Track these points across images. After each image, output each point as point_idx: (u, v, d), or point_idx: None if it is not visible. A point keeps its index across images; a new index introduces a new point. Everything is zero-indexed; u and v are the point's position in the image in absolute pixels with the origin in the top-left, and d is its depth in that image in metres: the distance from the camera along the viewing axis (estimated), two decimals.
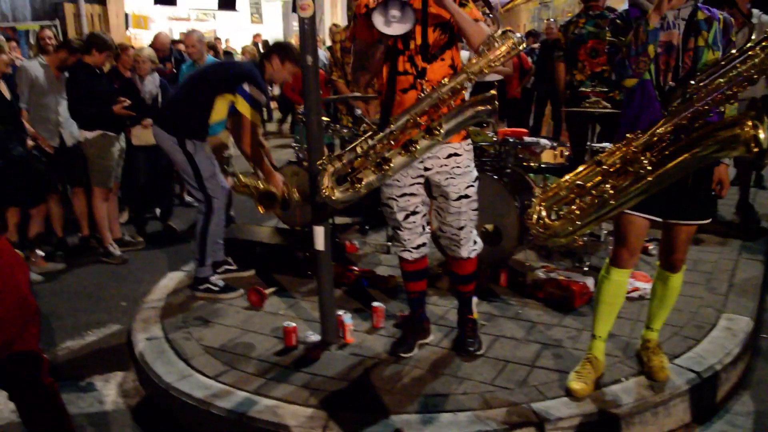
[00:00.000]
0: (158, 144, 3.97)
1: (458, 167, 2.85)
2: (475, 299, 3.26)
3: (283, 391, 2.83)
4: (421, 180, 2.91)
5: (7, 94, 4.48)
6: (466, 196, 2.90)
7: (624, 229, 2.65)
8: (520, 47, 2.61)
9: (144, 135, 5.20)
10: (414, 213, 2.95)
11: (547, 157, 4.59)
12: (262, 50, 12.67)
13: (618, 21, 2.59)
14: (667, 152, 2.25)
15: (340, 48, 5.67)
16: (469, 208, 2.93)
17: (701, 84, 2.29)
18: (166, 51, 7.19)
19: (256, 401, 2.75)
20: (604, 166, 2.35)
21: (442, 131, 2.58)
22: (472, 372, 2.93)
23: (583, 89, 4.73)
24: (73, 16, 10.37)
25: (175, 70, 6.87)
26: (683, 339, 3.16)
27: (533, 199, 2.49)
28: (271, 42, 14.23)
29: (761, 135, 2.03)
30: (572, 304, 3.57)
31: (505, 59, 2.62)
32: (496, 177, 4.01)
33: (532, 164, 4.54)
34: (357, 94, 4.75)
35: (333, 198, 2.68)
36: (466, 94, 2.79)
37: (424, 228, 3.02)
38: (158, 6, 13.39)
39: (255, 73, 3.83)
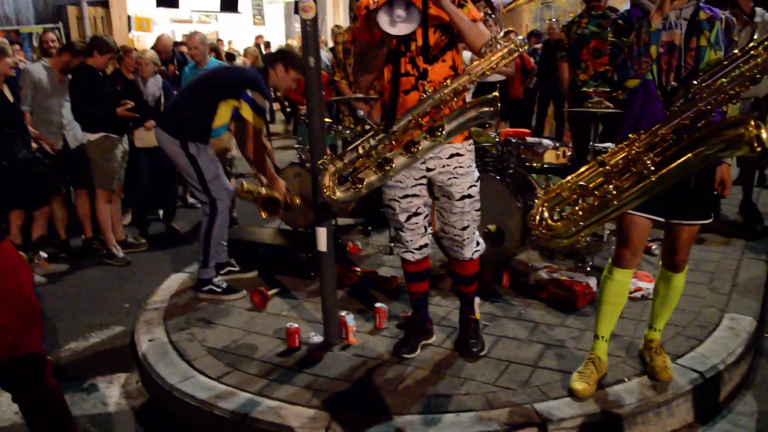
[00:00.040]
0: (160, 146, 3.98)
1: (461, 167, 2.85)
2: (477, 300, 3.26)
3: (285, 392, 2.83)
4: (424, 181, 2.91)
5: (10, 98, 4.50)
6: (469, 196, 2.90)
7: (626, 229, 2.65)
8: (521, 50, 2.61)
9: (147, 137, 5.21)
10: (416, 214, 2.95)
11: (549, 157, 4.59)
12: (264, 52, 12.70)
13: (620, 21, 2.59)
14: (670, 152, 2.25)
15: (343, 49, 5.67)
16: (472, 208, 2.93)
17: (704, 84, 2.28)
18: (169, 53, 7.21)
19: (259, 402, 2.76)
20: (607, 167, 2.35)
21: (443, 132, 2.58)
22: (474, 372, 2.93)
23: (586, 89, 4.73)
24: (76, 18, 10.39)
25: (177, 72, 6.89)
26: (686, 339, 3.16)
27: (535, 200, 2.49)
28: (273, 44, 14.27)
29: (764, 135, 2.03)
30: (575, 304, 3.56)
31: (507, 61, 2.62)
32: (498, 177, 4.02)
33: (534, 164, 4.54)
34: (359, 95, 4.75)
35: (334, 197, 2.69)
36: (468, 95, 2.79)
37: (426, 229, 3.02)
38: (161, 8, 13.40)
39: (259, 79, 3.84)
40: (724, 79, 2.23)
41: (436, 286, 3.86)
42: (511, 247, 4.02)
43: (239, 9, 15.89)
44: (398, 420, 2.58)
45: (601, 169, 2.37)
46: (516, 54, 2.61)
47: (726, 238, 4.65)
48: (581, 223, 2.37)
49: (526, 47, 2.65)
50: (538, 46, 9.11)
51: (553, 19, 10.90)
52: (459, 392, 2.76)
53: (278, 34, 18.28)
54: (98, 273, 4.92)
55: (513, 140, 4.31)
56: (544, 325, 3.40)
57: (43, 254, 4.90)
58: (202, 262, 3.96)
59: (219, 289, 3.94)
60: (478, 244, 3.06)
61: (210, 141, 3.98)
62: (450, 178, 2.86)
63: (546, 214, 2.45)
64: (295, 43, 11.84)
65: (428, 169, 2.86)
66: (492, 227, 4.03)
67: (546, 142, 4.72)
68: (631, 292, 3.47)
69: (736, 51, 2.29)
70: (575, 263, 4.21)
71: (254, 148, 3.90)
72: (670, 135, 2.28)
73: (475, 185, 2.92)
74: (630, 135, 2.36)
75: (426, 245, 3.04)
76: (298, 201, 4.19)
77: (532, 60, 8.62)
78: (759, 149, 2.05)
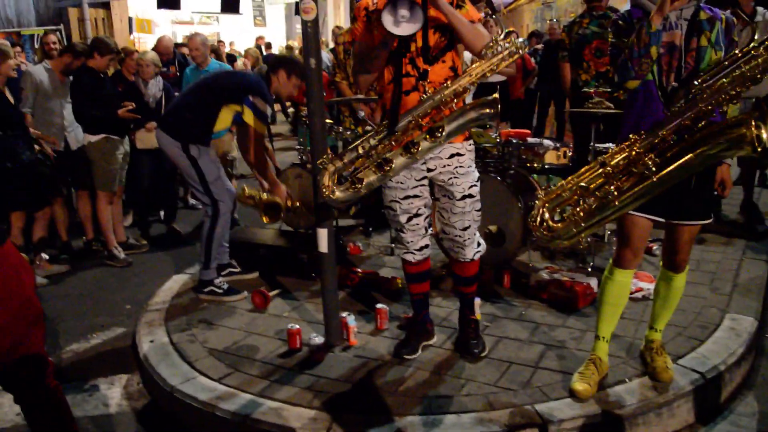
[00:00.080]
0: (161, 148, 3.99)
1: (461, 167, 2.86)
2: (477, 300, 3.27)
3: (287, 393, 2.83)
4: (425, 182, 2.91)
5: (11, 99, 4.51)
6: (470, 196, 2.90)
7: (627, 229, 2.65)
8: (521, 52, 2.62)
9: (148, 138, 5.22)
10: (417, 215, 2.95)
11: (550, 157, 4.59)
12: (265, 53, 12.71)
13: (620, 22, 2.59)
14: (670, 153, 2.25)
15: (343, 50, 5.68)
16: (473, 209, 2.93)
17: (704, 84, 2.28)
18: (170, 54, 7.21)
19: (260, 403, 2.76)
20: (608, 168, 2.35)
21: (443, 133, 2.58)
22: (475, 373, 2.93)
23: (587, 89, 4.73)
24: (77, 20, 10.40)
25: (178, 74, 6.89)
26: (687, 339, 3.16)
27: (536, 201, 2.49)
28: (274, 45, 14.29)
29: (764, 135, 2.03)
30: (576, 305, 3.56)
31: (507, 62, 2.62)
32: (499, 178, 4.01)
33: (535, 165, 4.54)
34: (360, 96, 4.76)
35: (333, 197, 2.69)
36: (468, 96, 2.80)
37: (426, 230, 3.03)
38: (162, 10, 13.42)
39: (262, 85, 3.85)
40: (724, 80, 2.23)
41: (436, 287, 3.86)
42: (512, 247, 4.02)
43: (240, 10, 15.91)
44: (399, 421, 2.58)
45: (601, 169, 2.37)
46: (516, 56, 2.61)
47: (727, 239, 4.65)
48: (582, 224, 2.37)
49: (526, 49, 2.65)
50: (539, 46, 9.11)
51: (554, 20, 10.91)
52: (460, 393, 2.76)
53: (279, 35, 18.31)
54: (99, 274, 4.92)
55: (514, 141, 4.31)
56: (545, 326, 3.40)
57: (45, 255, 4.91)
58: (203, 263, 3.96)
59: (220, 290, 3.94)
60: (479, 245, 3.06)
61: (211, 143, 3.99)
62: (451, 178, 2.86)
63: (547, 215, 2.45)
64: (296, 44, 11.86)
65: (429, 170, 2.86)
66: (493, 228, 4.03)
67: (547, 142, 4.73)
68: (631, 293, 3.48)
69: (736, 51, 2.29)
70: (576, 264, 4.21)
71: (256, 152, 3.94)
72: (670, 135, 2.28)
73: (475, 185, 2.92)
74: (631, 135, 2.36)
75: (427, 246, 3.05)
76: (298, 204, 4.20)
77: (533, 60, 8.63)
78: (760, 149, 2.05)
